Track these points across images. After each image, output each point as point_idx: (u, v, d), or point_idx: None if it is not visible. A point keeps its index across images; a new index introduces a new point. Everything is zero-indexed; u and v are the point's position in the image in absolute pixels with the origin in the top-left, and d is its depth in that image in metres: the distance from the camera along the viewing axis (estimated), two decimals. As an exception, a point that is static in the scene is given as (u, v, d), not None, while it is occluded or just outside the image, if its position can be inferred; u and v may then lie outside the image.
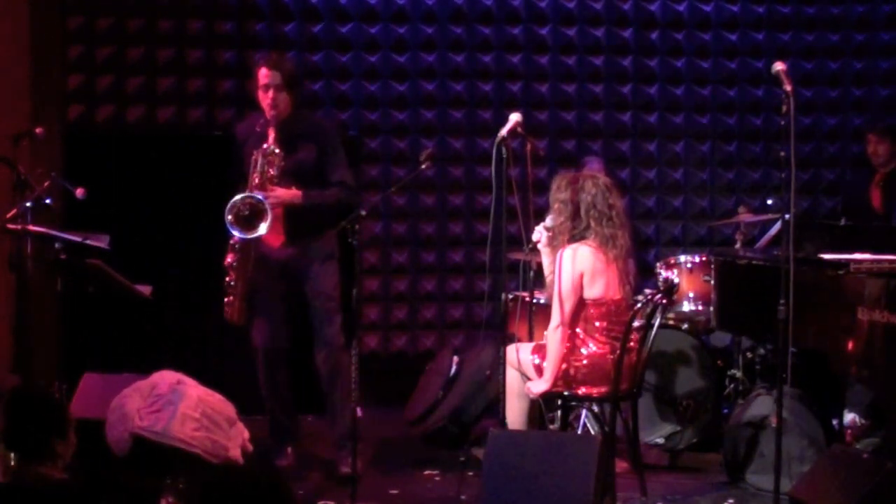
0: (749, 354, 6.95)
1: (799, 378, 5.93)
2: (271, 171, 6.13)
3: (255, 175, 6.14)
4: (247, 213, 6.05)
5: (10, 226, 6.11)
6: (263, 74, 6.16)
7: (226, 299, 6.27)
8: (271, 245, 6.25)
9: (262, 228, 6.02)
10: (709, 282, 6.81)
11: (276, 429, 6.45)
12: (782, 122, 5.14)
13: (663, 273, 7.18)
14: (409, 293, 8.30)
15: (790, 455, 5.64)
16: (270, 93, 6.13)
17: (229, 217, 6.05)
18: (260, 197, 6.04)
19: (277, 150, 6.14)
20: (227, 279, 6.25)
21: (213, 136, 7.99)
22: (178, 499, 4.31)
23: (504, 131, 5.56)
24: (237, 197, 6.06)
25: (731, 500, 5.87)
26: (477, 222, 8.25)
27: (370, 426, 6.78)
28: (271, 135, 6.18)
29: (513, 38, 8.37)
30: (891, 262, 5.58)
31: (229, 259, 6.23)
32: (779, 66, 5.25)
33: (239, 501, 3.29)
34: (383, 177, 8.18)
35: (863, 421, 6.55)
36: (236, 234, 6.08)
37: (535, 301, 6.35)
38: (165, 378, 5.51)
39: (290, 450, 6.42)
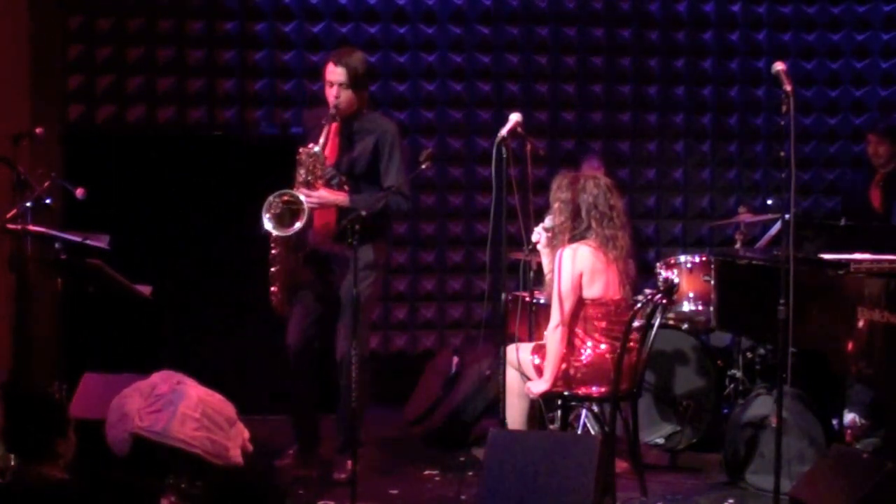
0: (749, 354, 6.95)
1: (799, 378, 5.93)
2: (318, 171, 6.08)
3: (301, 172, 6.08)
4: (279, 210, 6.01)
5: (10, 226, 6.11)
6: (329, 70, 6.11)
7: (271, 289, 6.23)
8: (322, 237, 6.17)
9: (297, 227, 5.97)
10: (709, 282, 6.81)
11: (296, 428, 6.39)
12: (782, 122, 5.14)
13: (663, 273, 7.18)
14: (409, 293, 8.30)
15: (790, 455, 5.63)
16: (334, 89, 6.07)
17: (267, 214, 6.01)
18: (298, 195, 5.99)
19: (318, 150, 6.05)
20: (272, 270, 6.20)
21: (213, 136, 7.99)
22: (181, 499, 4.31)
23: (504, 131, 5.56)
24: (274, 193, 6.02)
25: (731, 500, 5.87)
26: (477, 222, 8.25)
27: (370, 426, 6.79)
28: (333, 129, 6.12)
29: (512, 38, 8.37)
30: (891, 262, 5.58)
31: (273, 251, 6.17)
32: (779, 66, 5.25)
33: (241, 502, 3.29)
34: (383, 177, 8.17)
35: (863, 421, 6.56)
36: (271, 230, 6.03)
37: (535, 301, 6.35)
38: (165, 378, 5.51)
39: (291, 451, 6.36)
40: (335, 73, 6.08)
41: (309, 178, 6.07)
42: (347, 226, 5.55)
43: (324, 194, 6.09)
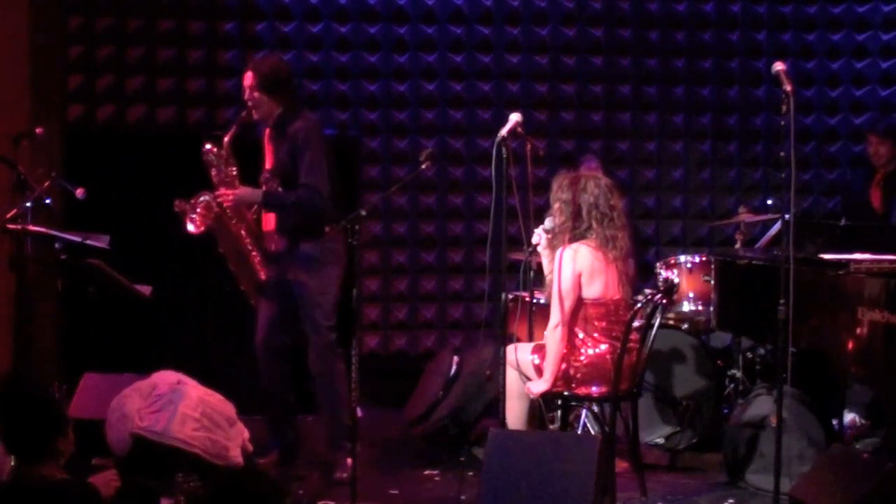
0: (749, 354, 6.95)
1: (799, 378, 5.93)
2: (231, 169, 6.22)
3: (213, 172, 6.26)
4: (198, 210, 6.20)
5: (10, 226, 6.12)
6: (245, 75, 6.27)
7: (241, 287, 6.39)
8: (271, 244, 6.27)
9: (190, 227, 6.18)
10: (709, 282, 6.81)
11: (270, 427, 6.41)
12: (782, 122, 5.14)
13: (663, 273, 7.18)
14: (409, 293, 8.30)
15: (790, 455, 5.63)
16: (246, 93, 6.22)
17: (191, 215, 6.19)
18: (206, 197, 6.19)
19: (206, 149, 6.24)
20: (230, 268, 6.35)
21: (213, 136, 7.98)
22: (187, 498, 4.31)
23: (504, 131, 5.56)
24: (194, 196, 6.21)
25: (731, 500, 5.87)
26: (477, 222, 8.25)
27: (370, 426, 6.79)
28: (266, 136, 6.28)
29: (513, 38, 8.37)
30: (891, 262, 5.58)
31: (221, 251, 6.32)
32: (779, 66, 5.25)
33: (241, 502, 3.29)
34: (383, 177, 8.18)
35: (863, 421, 6.56)
36: (190, 227, 6.20)
37: (535, 301, 6.34)
38: (165, 378, 5.52)
39: (274, 453, 6.32)
40: (246, 77, 6.23)
41: (223, 176, 6.22)
42: (347, 226, 5.56)
43: (239, 191, 6.19)
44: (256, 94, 6.17)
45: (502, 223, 5.65)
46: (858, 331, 5.37)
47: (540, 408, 5.86)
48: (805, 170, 8.48)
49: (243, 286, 6.35)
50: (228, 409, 5.53)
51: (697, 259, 7.14)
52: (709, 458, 6.53)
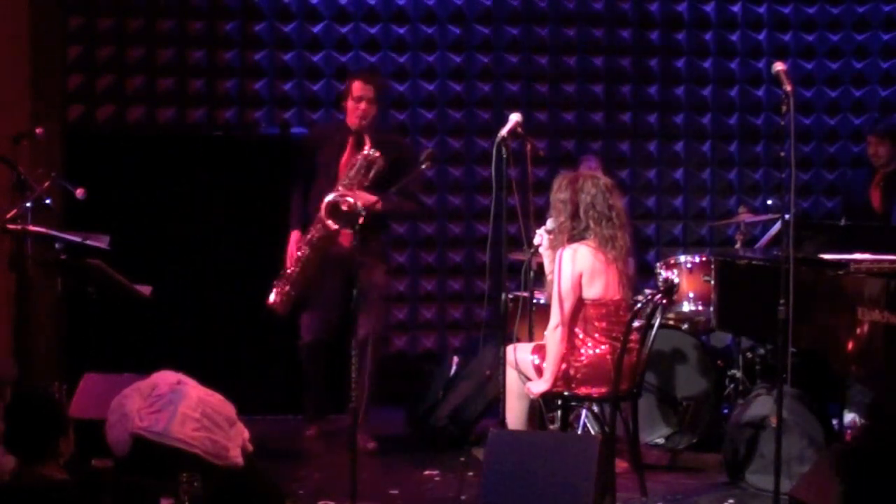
0: (749, 354, 6.95)
1: (799, 378, 5.93)
2: (369, 175, 6.45)
3: (350, 174, 6.45)
4: (345, 209, 6.34)
5: (10, 226, 6.11)
6: (359, 87, 6.57)
7: (278, 288, 6.61)
8: (343, 244, 6.49)
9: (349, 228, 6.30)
10: (709, 282, 6.81)
11: (308, 409, 6.91)
12: (782, 122, 5.14)
13: (663, 273, 7.18)
14: (409, 293, 8.30)
15: (790, 455, 5.64)
16: (362, 105, 6.53)
17: (329, 203, 6.36)
18: (359, 205, 6.19)
19: (379, 155, 6.45)
20: (290, 270, 6.60)
21: (213, 136, 7.99)
22: (191, 499, 4.31)
23: (504, 131, 5.57)
24: (336, 196, 6.36)
25: (731, 500, 5.87)
26: (477, 222, 8.25)
27: (370, 426, 6.80)
28: (351, 143, 6.57)
29: (512, 38, 8.37)
30: (891, 262, 5.58)
31: (300, 253, 6.56)
32: (779, 66, 5.25)
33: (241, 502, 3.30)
34: (383, 177, 8.17)
35: (863, 421, 6.55)
36: (330, 224, 6.37)
37: (535, 301, 6.34)
38: (165, 378, 5.50)
39: (314, 429, 6.91)
40: (366, 90, 6.55)
41: (355, 181, 6.44)
42: (346, 226, 5.67)
43: (364, 197, 6.34)
44: (373, 107, 6.59)
45: (502, 223, 5.65)
46: (858, 331, 5.36)
47: (540, 408, 5.86)
48: (805, 170, 8.48)
49: (289, 289, 6.58)
50: (228, 409, 5.51)
51: (697, 259, 7.14)
52: (709, 458, 6.53)
